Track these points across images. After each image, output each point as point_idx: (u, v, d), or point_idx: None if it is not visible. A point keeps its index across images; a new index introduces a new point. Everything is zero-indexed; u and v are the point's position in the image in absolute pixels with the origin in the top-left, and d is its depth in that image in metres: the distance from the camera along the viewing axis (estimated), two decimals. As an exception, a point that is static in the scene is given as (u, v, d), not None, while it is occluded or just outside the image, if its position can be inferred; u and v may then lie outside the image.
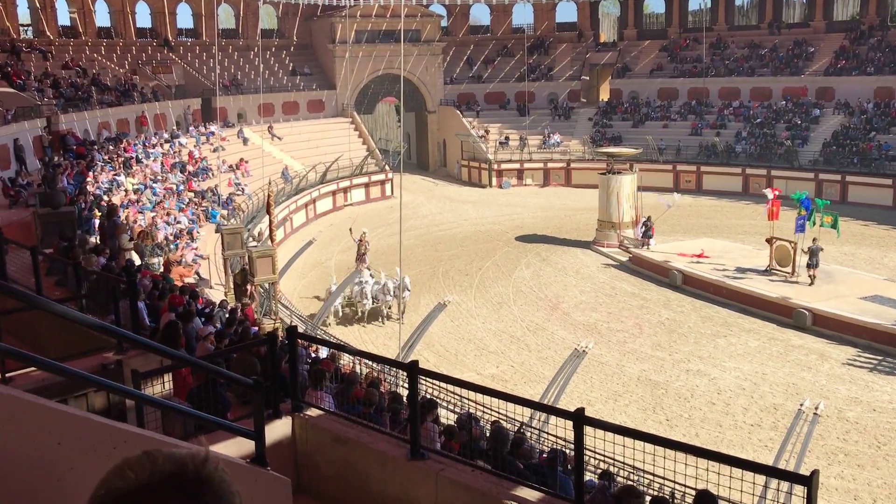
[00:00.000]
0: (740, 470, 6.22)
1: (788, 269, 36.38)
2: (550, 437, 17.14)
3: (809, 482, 5.95)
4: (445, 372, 25.87)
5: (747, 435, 23.75)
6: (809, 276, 34.92)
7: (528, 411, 17.72)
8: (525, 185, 65.84)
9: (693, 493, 9.37)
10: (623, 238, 44.18)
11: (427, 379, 15.78)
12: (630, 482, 10.46)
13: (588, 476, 14.10)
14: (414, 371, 7.76)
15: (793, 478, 6.43)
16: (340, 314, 31.93)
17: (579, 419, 6.74)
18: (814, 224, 34.62)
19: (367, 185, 59.66)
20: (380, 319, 31.74)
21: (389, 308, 31.39)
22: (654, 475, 13.66)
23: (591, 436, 7.08)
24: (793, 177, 55.09)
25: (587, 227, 48.50)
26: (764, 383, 27.64)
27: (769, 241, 37.26)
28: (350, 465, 7.93)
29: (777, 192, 38.08)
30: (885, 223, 48.60)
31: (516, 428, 16.31)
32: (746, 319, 34.06)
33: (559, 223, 52.56)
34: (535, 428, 18.41)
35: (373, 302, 31.65)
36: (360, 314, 31.82)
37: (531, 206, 58.10)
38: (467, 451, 8.98)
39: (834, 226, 34.65)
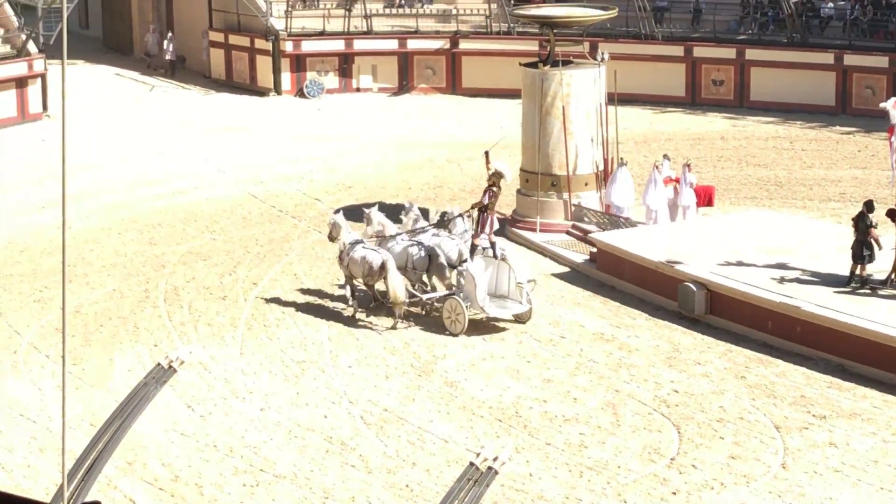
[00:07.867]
0: None
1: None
2: None
3: None
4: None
5: None
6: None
7: None
8: (358, 89, 52.93)
9: None
10: (579, 210, 35.16)
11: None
12: None
13: None
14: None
15: None
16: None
17: None
18: None
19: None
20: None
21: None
22: None
23: None
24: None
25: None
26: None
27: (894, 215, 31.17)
28: None
29: (917, 108, 31.83)
30: None
31: None
32: (846, 390, 26.23)
33: (435, 178, 42.80)
34: None
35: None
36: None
37: (372, 140, 47.17)
38: None
39: None
